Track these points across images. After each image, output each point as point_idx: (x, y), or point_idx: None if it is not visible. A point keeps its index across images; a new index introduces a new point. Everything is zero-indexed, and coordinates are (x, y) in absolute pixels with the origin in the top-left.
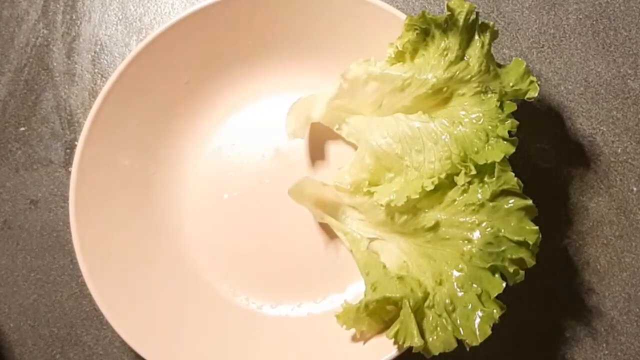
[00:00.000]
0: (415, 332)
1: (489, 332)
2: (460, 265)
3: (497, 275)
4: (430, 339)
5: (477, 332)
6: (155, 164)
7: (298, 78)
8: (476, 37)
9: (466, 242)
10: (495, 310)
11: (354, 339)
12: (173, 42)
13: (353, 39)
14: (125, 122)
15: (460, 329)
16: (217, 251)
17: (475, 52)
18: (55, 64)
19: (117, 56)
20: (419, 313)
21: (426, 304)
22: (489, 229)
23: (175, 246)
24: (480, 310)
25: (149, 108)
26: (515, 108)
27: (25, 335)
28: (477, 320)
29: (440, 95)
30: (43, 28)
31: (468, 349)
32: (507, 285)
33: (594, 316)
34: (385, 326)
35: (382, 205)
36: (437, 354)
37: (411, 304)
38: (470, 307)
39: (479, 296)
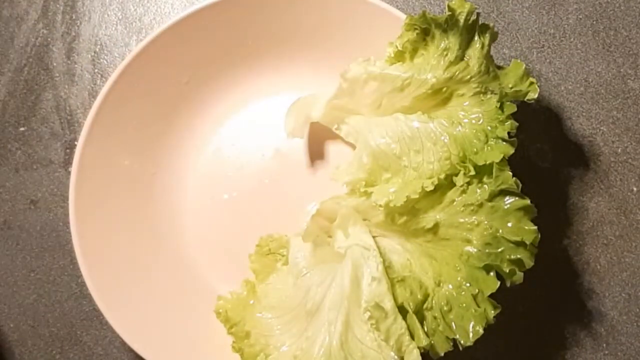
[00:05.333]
0: (422, 333)
1: (482, 331)
2: (458, 266)
3: (491, 274)
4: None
5: (470, 332)
6: (155, 164)
7: (298, 78)
8: (476, 37)
9: (465, 242)
10: (489, 310)
11: None
12: (173, 42)
13: (353, 39)
14: (125, 122)
15: (455, 329)
16: (217, 251)
17: (475, 53)
18: (55, 64)
19: (117, 56)
20: (418, 315)
21: (425, 305)
22: (487, 230)
23: (175, 246)
24: (474, 310)
25: (149, 108)
26: (516, 109)
27: (25, 335)
28: (471, 320)
29: (440, 96)
30: (43, 28)
31: (461, 349)
32: (506, 286)
33: (594, 317)
34: None
35: (380, 205)
36: (435, 355)
37: (412, 307)
38: (465, 307)
39: (475, 296)
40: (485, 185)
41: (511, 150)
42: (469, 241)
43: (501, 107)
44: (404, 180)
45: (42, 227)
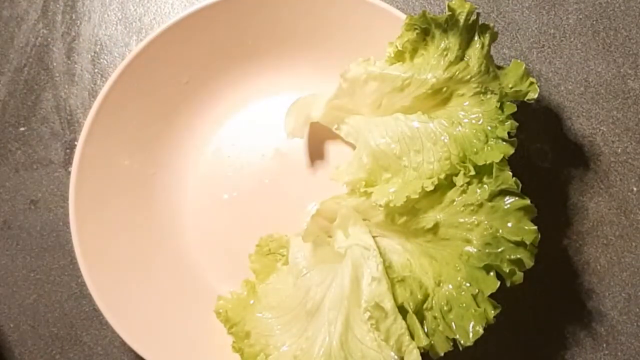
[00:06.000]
0: (422, 333)
1: (482, 331)
2: (458, 266)
3: (491, 274)
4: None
5: (470, 332)
6: (155, 164)
7: (298, 78)
8: (476, 37)
9: (465, 242)
10: (488, 310)
11: None
12: (173, 42)
13: (353, 39)
14: (125, 122)
15: (455, 329)
16: (217, 251)
17: (475, 53)
18: (55, 64)
19: (117, 56)
20: (418, 315)
21: (425, 305)
22: (487, 230)
23: (176, 246)
24: (474, 310)
25: (149, 108)
26: (516, 109)
27: (25, 336)
28: (471, 320)
29: (440, 96)
30: (43, 28)
31: (461, 349)
32: (506, 286)
33: (594, 316)
34: None
35: (380, 205)
36: (435, 355)
37: (412, 307)
38: (465, 307)
39: (475, 296)
40: (485, 185)
41: (511, 150)
42: (469, 241)
43: (501, 107)
44: (404, 180)
45: (42, 227)
